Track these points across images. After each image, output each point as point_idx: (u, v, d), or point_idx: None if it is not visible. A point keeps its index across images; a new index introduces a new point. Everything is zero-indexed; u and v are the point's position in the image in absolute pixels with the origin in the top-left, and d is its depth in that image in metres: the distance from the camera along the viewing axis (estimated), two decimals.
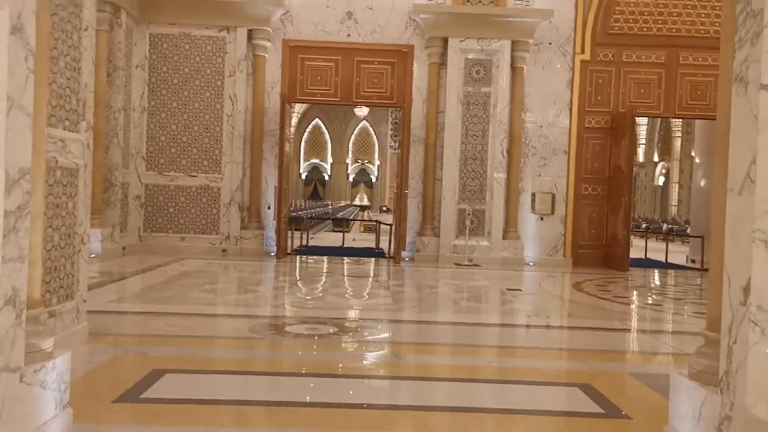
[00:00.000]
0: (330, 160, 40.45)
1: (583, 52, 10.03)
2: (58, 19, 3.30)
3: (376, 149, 39.62)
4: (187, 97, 9.73)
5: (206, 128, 9.75)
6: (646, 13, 10.11)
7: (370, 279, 8.45)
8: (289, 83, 9.94)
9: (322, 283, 7.87)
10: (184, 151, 9.77)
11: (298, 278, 8.33)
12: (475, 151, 9.80)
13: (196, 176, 9.76)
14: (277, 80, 9.90)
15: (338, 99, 10.12)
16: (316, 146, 40.21)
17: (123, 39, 9.10)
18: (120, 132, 9.16)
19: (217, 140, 9.76)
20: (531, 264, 9.93)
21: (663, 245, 13.25)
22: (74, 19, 3.47)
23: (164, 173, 9.76)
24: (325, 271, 8.91)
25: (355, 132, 40.11)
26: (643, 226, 19.16)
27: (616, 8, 10.05)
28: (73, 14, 3.46)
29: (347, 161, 40.46)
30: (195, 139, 9.77)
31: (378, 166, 39.06)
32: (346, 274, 8.81)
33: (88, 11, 3.61)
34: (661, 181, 28.01)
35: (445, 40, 9.72)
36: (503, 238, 9.89)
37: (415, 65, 9.94)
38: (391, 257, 10.18)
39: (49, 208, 3.30)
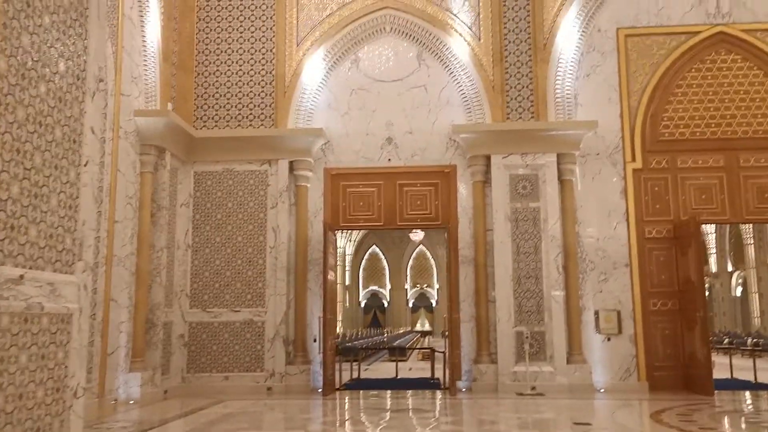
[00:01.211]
0: (388, 286, 40.10)
1: (633, 160, 9.60)
2: (50, 155, 3.13)
3: (434, 272, 39.17)
4: (230, 232, 9.68)
5: (249, 261, 9.59)
6: (696, 118, 9.71)
7: (421, 418, 7.71)
8: (332, 211, 9.80)
9: (365, 425, 7.19)
10: (227, 285, 9.58)
11: (340, 420, 7.68)
12: (528, 268, 9.25)
13: (239, 311, 9.48)
14: (320, 209, 9.78)
15: (382, 224, 9.89)
16: (374, 273, 40.08)
17: (167, 179, 9.23)
18: (163, 271, 9.06)
19: (260, 273, 9.55)
20: (601, 390, 8.99)
21: (750, 362, 11.97)
22: (71, 155, 3.31)
23: (208, 310, 9.53)
24: (372, 408, 8.23)
25: (413, 256, 39.95)
26: (726, 341, 17.63)
27: (664, 115, 9.70)
28: (70, 150, 3.30)
29: (406, 286, 40.02)
30: (238, 273, 9.59)
31: (437, 289, 38.42)
32: (395, 411, 8.10)
33: (89, 147, 3.46)
34: (739, 291, 26.28)
35: (488, 158, 9.50)
36: (567, 362, 9.05)
37: (458, 185, 9.70)
38: (446, 388, 9.42)
39: (32, 360, 2.96)
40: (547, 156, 9.41)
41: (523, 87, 9.66)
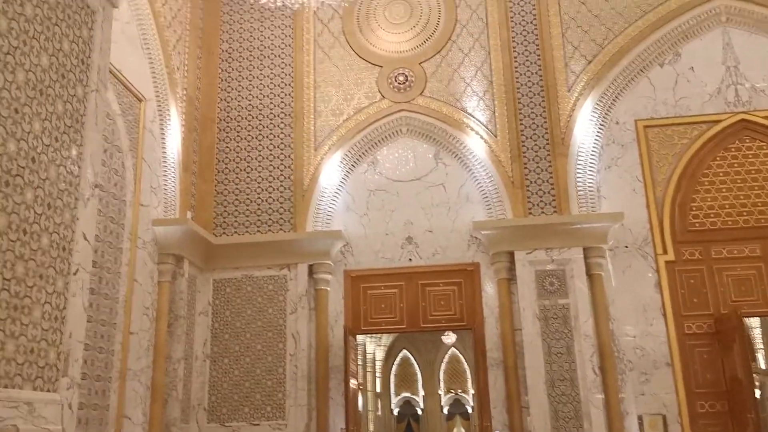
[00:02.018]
0: (421, 392, 38.81)
1: (665, 252, 9.22)
2: (35, 264, 2.98)
3: (468, 377, 37.90)
4: (249, 340, 9.39)
5: (269, 371, 9.23)
6: (727, 206, 9.38)
7: None
8: (353, 314, 9.49)
9: None
10: (246, 397, 9.18)
11: None
12: (562, 370, 8.71)
13: (259, 424, 9.02)
14: (340, 312, 9.49)
15: (404, 326, 9.52)
16: (406, 379, 38.90)
17: (186, 288, 9.08)
18: (179, 384, 8.72)
19: (280, 382, 9.16)
20: None
21: None
22: (59, 263, 3.16)
23: (226, 424, 9.09)
24: None
25: (445, 360, 38.83)
26: None
27: (692, 205, 9.40)
28: (58, 258, 3.15)
29: (439, 392, 38.69)
30: (258, 384, 9.21)
31: (472, 395, 37.02)
32: None
33: (81, 254, 3.31)
34: None
35: (512, 254, 9.21)
36: None
37: (483, 283, 9.37)
38: None
39: None
40: (573, 251, 9.10)
41: (543, 181, 9.52)
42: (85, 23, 3.44)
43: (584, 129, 9.62)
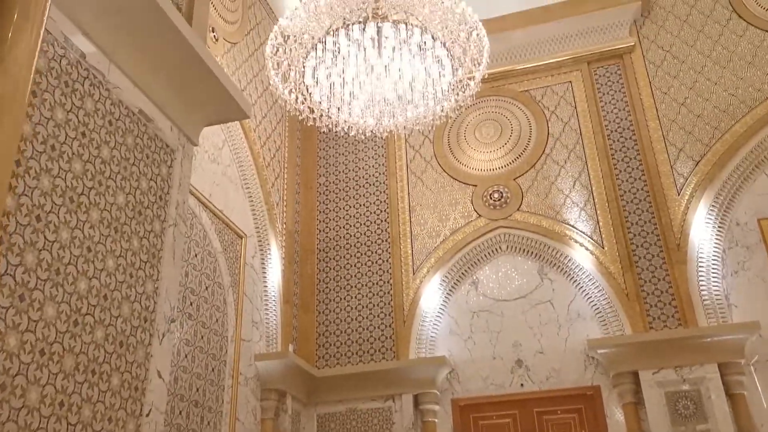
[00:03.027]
0: None
1: None
2: (103, 407, 2.86)
3: None
4: None
5: None
6: None
7: None
8: None
9: None
10: None
11: None
12: None
13: None
14: None
15: None
16: None
17: (289, 425, 8.79)
18: None
19: None
20: None
21: None
22: (130, 404, 3.02)
23: None
24: None
25: None
26: None
27: None
28: (130, 399, 3.03)
29: None
30: None
31: None
32: None
33: (155, 393, 3.17)
34: None
35: (636, 375, 8.33)
36: None
37: (605, 408, 8.47)
38: None
39: None
40: (706, 368, 8.11)
41: (662, 292, 8.75)
42: (164, 161, 3.52)
43: (701, 233, 8.90)
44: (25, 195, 2.60)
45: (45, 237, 2.66)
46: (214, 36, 8.60)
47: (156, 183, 3.42)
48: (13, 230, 2.52)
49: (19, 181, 2.57)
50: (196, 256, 7.69)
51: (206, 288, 7.78)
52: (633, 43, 10.35)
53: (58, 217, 2.74)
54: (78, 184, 2.86)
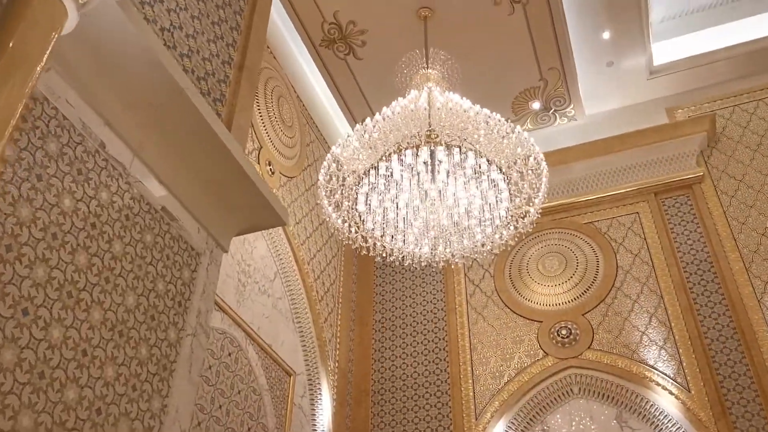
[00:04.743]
0: None
1: None
2: None
3: None
4: None
5: None
6: None
7: None
8: None
9: None
10: None
11: None
12: None
13: None
14: None
15: None
16: None
17: None
18: None
19: None
20: None
21: None
22: None
23: None
24: None
25: None
26: None
27: None
28: None
29: None
30: None
31: None
32: None
33: None
34: None
35: None
36: None
37: None
38: None
39: None
40: None
41: None
42: (187, 264, 3.23)
43: None
44: (12, 284, 2.31)
45: (31, 333, 2.33)
46: (270, 169, 8.69)
47: (175, 287, 3.11)
48: None
49: (8, 268, 2.29)
50: (239, 392, 7.20)
51: (249, 429, 7.19)
52: (702, 173, 9.89)
53: (50, 312, 2.42)
54: (80, 278, 2.57)
